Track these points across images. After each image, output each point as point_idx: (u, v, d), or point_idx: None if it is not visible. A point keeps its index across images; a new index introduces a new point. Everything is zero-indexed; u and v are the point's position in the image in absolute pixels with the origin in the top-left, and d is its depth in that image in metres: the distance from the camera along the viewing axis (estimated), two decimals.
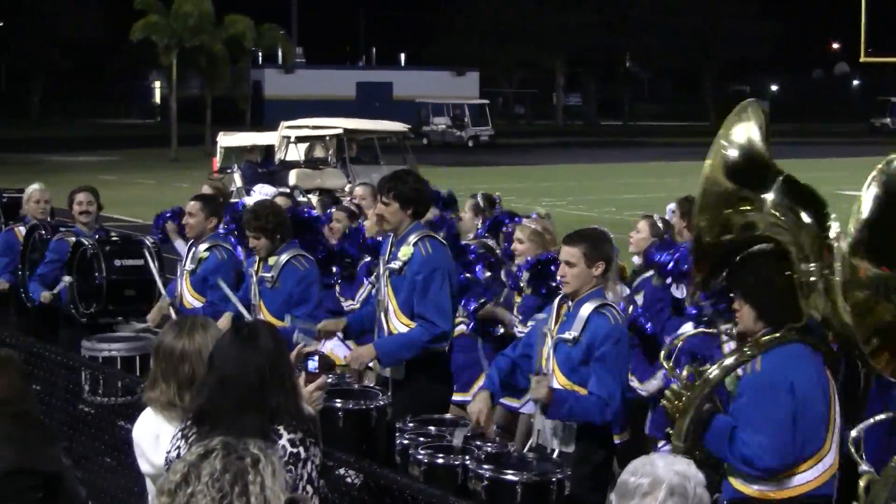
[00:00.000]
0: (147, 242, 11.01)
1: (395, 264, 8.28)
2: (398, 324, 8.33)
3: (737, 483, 6.14)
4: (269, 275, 9.21)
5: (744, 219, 6.26)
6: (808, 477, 6.05)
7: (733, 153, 6.33)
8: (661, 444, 8.45)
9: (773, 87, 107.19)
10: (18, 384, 5.52)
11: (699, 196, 6.36)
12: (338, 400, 7.36)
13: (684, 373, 6.30)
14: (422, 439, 6.95)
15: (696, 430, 6.19)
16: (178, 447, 4.81)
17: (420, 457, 6.63)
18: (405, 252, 8.23)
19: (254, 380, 4.71)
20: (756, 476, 6.06)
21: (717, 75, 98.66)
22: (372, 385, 8.21)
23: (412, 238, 8.27)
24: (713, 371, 6.19)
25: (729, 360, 6.23)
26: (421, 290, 8.19)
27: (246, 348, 4.77)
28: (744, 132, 6.35)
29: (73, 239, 10.96)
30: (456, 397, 9.55)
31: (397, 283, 8.33)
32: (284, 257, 9.22)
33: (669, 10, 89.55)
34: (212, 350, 4.93)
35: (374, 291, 9.05)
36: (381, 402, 7.47)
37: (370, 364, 8.63)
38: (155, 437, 5.28)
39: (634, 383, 8.79)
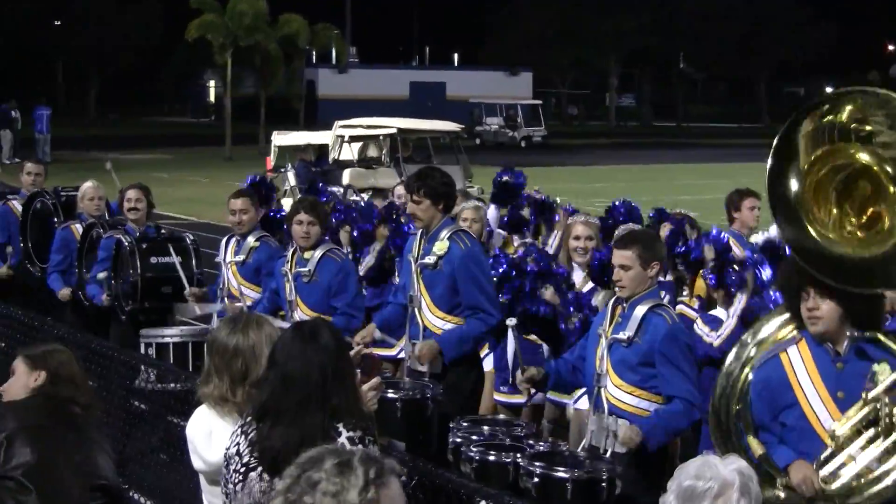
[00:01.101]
0: (188, 239, 11.08)
1: (430, 259, 8.36)
2: (433, 318, 8.43)
3: None
4: (305, 269, 9.31)
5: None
6: None
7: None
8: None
9: (828, 89, 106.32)
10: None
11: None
12: (391, 391, 7.42)
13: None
14: (474, 437, 6.98)
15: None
16: (238, 443, 4.86)
17: (472, 454, 6.67)
18: (440, 247, 8.34)
19: (316, 377, 4.74)
20: None
21: (771, 77, 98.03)
22: (418, 378, 8.26)
23: (444, 233, 8.39)
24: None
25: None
26: (470, 283, 8.32)
27: (308, 346, 4.80)
28: None
29: (119, 236, 11.02)
30: (506, 398, 9.59)
31: (431, 278, 8.43)
32: (319, 251, 9.36)
33: (724, 11, 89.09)
34: (273, 347, 4.97)
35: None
36: (434, 391, 7.53)
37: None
38: (208, 434, 5.33)
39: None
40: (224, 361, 5.29)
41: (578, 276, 9.39)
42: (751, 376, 6.38)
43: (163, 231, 11.28)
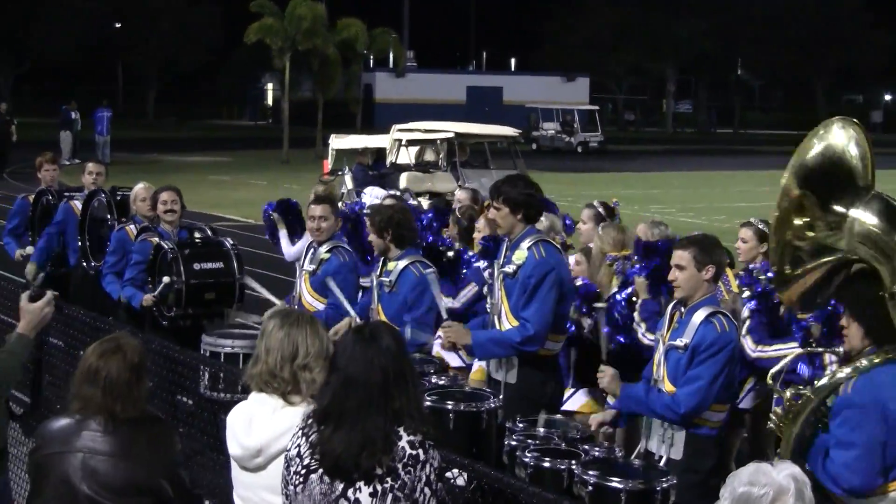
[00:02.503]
0: (228, 243, 11.08)
1: (510, 268, 8.36)
2: (509, 326, 8.40)
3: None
4: (387, 279, 9.31)
5: (820, 234, 6.20)
6: None
7: (813, 159, 6.26)
8: None
9: (887, 97, 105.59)
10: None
11: (772, 215, 6.35)
12: (449, 402, 7.42)
13: (788, 393, 6.30)
14: (530, 441, 6.99)
15: (801, 449, 6.20)
16: (299, 445, 4.89)
17: (527, 459, 6.68)
18: (519, 256, 8.31)
19: (378, 380, 4.76)
20: (841, 496, 6.05)
21: (829, 84, 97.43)
22: (483, 388, 8.25)
23: (526, 242, 8.34)
24: (813, 392, 6.18)
25: (824, 381, 6.23)
26: (528, 293, 8.26)
27: (369, 349, 4.82)
28: (830, 141, 6.27)
29: (156, 240, 10.99)
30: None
31: (510, 287, 8.40)
32: (403, 263, 9.29)
33: (782, 18, 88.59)
34: (335, 351, 5.00)
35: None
36: (493, 405, 7.51)
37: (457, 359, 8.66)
38: (248, 420, 5.38)
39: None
40: (274, 342, 5.35)
41: None
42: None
43: (196, 234, 11.26)
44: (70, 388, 5.60)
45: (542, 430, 7.20)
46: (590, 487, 6.29)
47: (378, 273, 9.46)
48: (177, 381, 8.28)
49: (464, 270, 10.90)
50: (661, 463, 6.94)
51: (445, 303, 9.50)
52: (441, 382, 7.96)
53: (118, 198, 12.57)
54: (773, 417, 6.34)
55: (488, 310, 8.70)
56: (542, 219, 10.72)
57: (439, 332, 8.86)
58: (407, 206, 10.81)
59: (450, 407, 7.37)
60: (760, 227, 10.16)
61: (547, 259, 8.31)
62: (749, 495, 3.96)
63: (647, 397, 7.17)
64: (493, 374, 8.44)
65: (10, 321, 10.25)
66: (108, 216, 12.39)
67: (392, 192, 18.13)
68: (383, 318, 9.25)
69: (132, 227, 11.91)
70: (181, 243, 10.91)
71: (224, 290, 10.75)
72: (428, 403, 7.31)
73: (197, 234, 11.24)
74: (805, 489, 3.99)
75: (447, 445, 7.08)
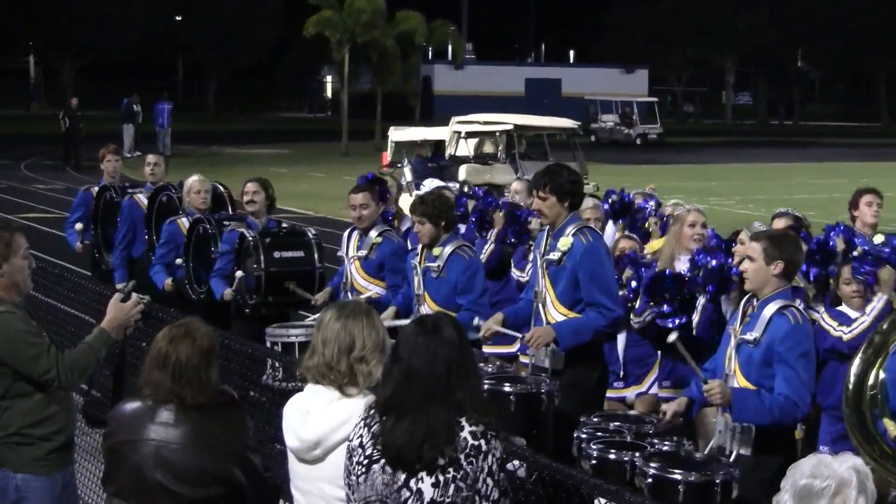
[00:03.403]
0: (310, 233, 11.15)
1: (554, 255, 8.40)
2: (556, 314, 8.45)
3: None
4: (434, 265, 9.35)
5: None
6: None
7: None
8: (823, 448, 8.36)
9: None
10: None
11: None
12: (507, 384, 7.45)
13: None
14: (599, 434, 7.00)
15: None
16: (361, 436, 4.90)
17: (591, 451, 6.69)
18: (564, 243, 8.35)
19: (441, 372, 4.77)
20: None
21: (890, 76, 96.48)
22: (538, 374, 8.28)
23: (570, 229, 8.41)
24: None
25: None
26: (590, 278, 8.33)
27: (432, 340, 4.83)
28: None
29: (242, 230, 11.08)
30: (625, 392, 9.59)
31: (556, 274, 8.45)
32: (450, 248, 9.34)
33: (843, 9, 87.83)
34: (396, 342, 5.02)
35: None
36: (550, 387, 7.55)
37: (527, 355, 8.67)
38: (305, 413, 5.37)
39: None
40: (331, 334, 5.34)
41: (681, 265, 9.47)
42: (886, 362, 6.34)
43: (284, 225, 11.34)
44: (141, 373, 5.65)
45: (614, 424, 7.21)
46: (649, 479, 6.27)
47: (419, 260, 9.49)
48: (239, 371, 8.32)
49: None
50: (732, 458, 6.89)
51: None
52: (489, 370, 8.03)
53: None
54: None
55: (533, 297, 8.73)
56: (588, 201, 10.84)
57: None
58: (443, 192, 10.93)
59: (510, 389, 7.41)
60: (794, 214, 10.30)
61: (595, 243, 8.44)
62: (811, 488, 3.95)
63: (764, 402, 6.96)
64: (538, 363, 8.43)
65: (73, 313, 10.37)
66: (180, 212, 12.47)
67: (448, 185, 18.18)
68: (431, 304, 9.33)
69: (184, 219, 12.01)
70: (264, 232, 11.02)
71: (304, 278, 10.83)
72: (487, 387, 7.37)
73: (284, 224, 11.33)
74: (867, 481, 3.98)
75: (508, 428, 7.14)
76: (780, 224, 10.31)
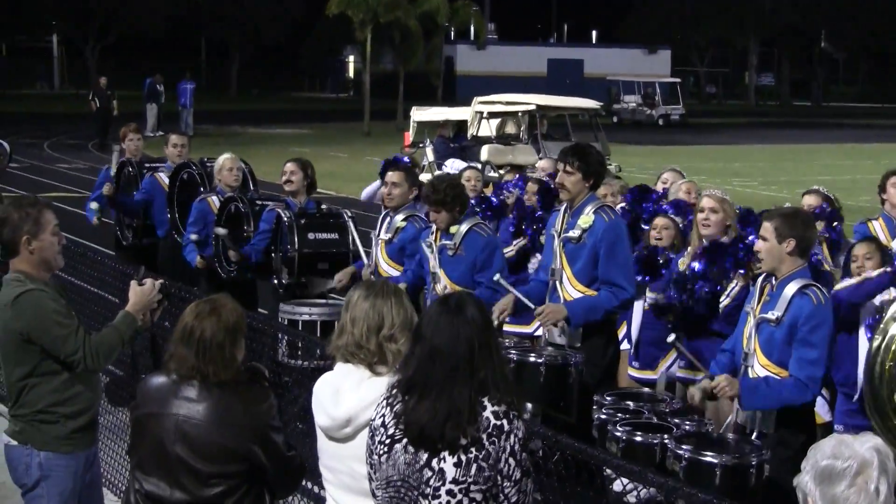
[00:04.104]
0: (346, 215, 11.17)
1: (574, 233, 8.42)
2: (574, 292, 8.47)
3: None
4: (450, 243, 9.35)
5: None
6: None
7: None
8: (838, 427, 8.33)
9: None
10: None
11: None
12: (533, 355, 7.46)
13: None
14: (619, 416, 7.00)
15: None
16: (383, 415, 4.90)
17: (619, 434, 6.69)
18: (585, 221, 8.38)
19: (464, 350, 4.75)
20: None
21: None
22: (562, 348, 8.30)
23: (590, 207, 8.44)
24: None
25: None
26: (608, 256, 8.36)
27: (455, 319, 4.81)
28: None
29: (280, 210, 11.14)
30: (638, 374, 9.57)
31: (574, 252, 8.48)
32: (466, 226, 9.37)
33: None
34: (419, 321, 5.02)
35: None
36: (578, 360, 7.57)
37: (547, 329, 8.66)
38: (335, 391, 5.38)
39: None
40: (360, 313, 5.36)
41: None
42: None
43: (323, 207, 11.38)
44: (167, 348, 5.68)
45: (631, 403, 7.22)
46: (684, 462, 6.29)
47: (434, 238, 9.49)
48: (255, 347, 8.36)
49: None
50: (753, 437, 6.91)
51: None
52: (507, 343, 8.09)
53: (208, 169, 12.66)
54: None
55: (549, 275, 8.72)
56: (613, 181, 10.83)
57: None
58: (453, 176, 10.96)
59: (538, 360, 7.41)
60: (828, 195, 10.28)
61: (616, 221, 8.50)
62: (832, 468, 3.94)
63: (772, 388, 7.00)
64: (554, 339, 8.44)
65: (96, 291, 10.42)
66: (201, 188, 12.48)
67: (472, 164, 18.15)
68: (447, 281, 9.33)
69: (214, 198, 12.02)
70: (300, 213, 11.08)
71: (338, 259, 10.89)
72: (514, 358, 7.39)
73: (323, 206, 11.38)
74: (888, 461, 3.97)
75: (536, 398, 7.15)
76: (809, 200, 10.30)
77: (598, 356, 8.44)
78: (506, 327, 10.34)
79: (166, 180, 12.98)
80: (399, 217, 10.26)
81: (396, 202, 10.29)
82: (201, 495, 5.44)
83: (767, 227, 7.13)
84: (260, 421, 5.49)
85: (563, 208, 8.68)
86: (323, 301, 10.36)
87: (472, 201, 11.32)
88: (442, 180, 9.74)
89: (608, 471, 5.77)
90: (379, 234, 10.42)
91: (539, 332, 9.38)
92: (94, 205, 13.95)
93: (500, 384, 4.81)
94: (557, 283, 8.56)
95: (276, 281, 11.07)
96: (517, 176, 13.26)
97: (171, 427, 5.46)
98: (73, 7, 78.49)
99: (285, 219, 10.94)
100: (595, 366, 8.32)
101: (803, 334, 6.93)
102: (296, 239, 10.79)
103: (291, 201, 11.33)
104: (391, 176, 10.34)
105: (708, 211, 8.82)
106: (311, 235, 10.87)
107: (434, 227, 9.54)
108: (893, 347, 6.26)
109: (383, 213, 10.64)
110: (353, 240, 10.81)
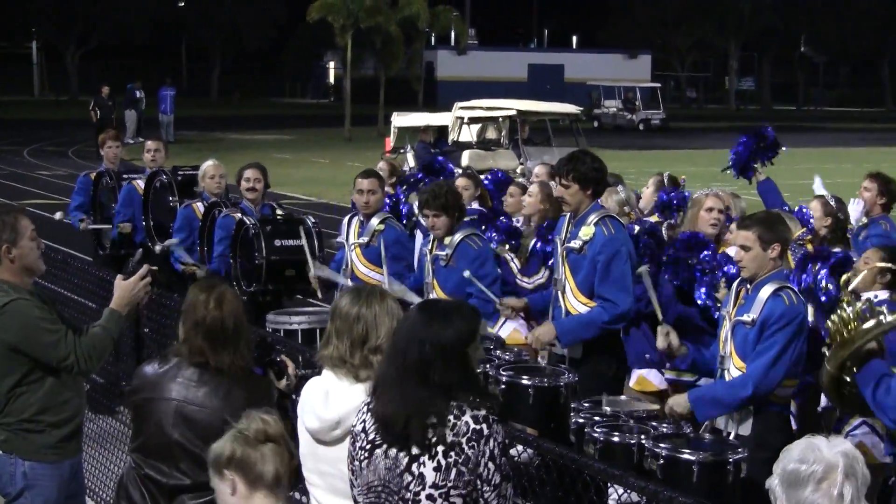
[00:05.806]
0: (307, 222, 11.13)
1: (575, 244, 8.35)
2: (576, 303, 8.40)
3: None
4: (443, 253, 9.32)
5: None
6: None
7: None
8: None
9: None
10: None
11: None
12: (525, 377, 7.42)
13: (860, 305, 6.19)
14: (597, 418, 7.00)
15: (853, 363, 6.14)
16: (364, 421, 4.93)
17: (596, 434, 6.69)
18: (586, 232, 8.29)
19: (414, 353, 4.80)
20: (889, 426, 6.09)
21: (894, 61, 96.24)
22: (557, 364, 8.25)
23: (592, 218, 8.34)
24: (889, 317, 6.07)
25: None
26: (603, 270, 8.26)
27: (417, 322, 4.87)
28: None
29: (238, 216, 11.11)
30: (674, 375, 9.51)
31: (576, 263, 8.39)
32: (458, 236, 9.30)
33: None
34: (397, 325, 5.06)
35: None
36: (571, 380, 7.52)
37: (550, 345, 8.66)
38: (325, 394, 5.41)
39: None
40: (346, 325, 5.39)
41: None
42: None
43: (279, 212, 11.37)
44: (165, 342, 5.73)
45: (608, 408, 7.21)
46: (661, 460, 6.29)
47: (430, 247, 9.49)
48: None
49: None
50: (730, 438, 6.92)
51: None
52: (507, 357, 7.99)
53: (179, 178, 12.66)
54: (836, 318, 6.22)
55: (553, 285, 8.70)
56: (620, 190, 10.71)
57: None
58: (451, 182, 10.85)
59: (528, 382, 7.37)
60: (831, 203, 10.31)
61: (616, 235, 8.34)
62: (797, 473, 3.94)
63: (718, 392, 7.10)
64: (554, 351, 8.45)
65: (79, 300, 10.39)
66: (171, 197, 12.49)
67: (467, 171, 18.12)
68: (439, 291, 9.32)
69: (199, 204, 12.02)
70: (263, 220, 11.06)
71: (304, 266, 10.83)
72: (505, 379, 7.36)
73: (279, 212, 11.36)
74: (856, 465, 3.94)
75: (526, 421, 7.12)
76: (814, 205, 10.41)
77: (604, 369, 8.39)
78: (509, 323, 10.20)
79: (143, 187, 12.98)
80: (375, 220, 10.23)
81: (373, 208, 10.28)
82: (200, 480, 5.45)
83: (748, 236, 7.10)
84: (260, 408, 5.52)
85: (568, 216, 8.58)
86: (306, 309, 10.38)
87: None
88: (442, 186, 9.73)
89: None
90: (348, 238, 10.41)
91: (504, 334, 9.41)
92: (58, 214, 13.96)
93: (473, 389, 4.83)
94: (560, 293, 8.51)
95: (236, 289, 10.99)
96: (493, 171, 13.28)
97: (171, 411, 5.52)
98: (55, 13, 78.29)
99: (250, 225, 10.89)
100: (599, 380, 8.19)
101: (768, 333, 6.98)
102: (263, 246, 10.74)
103: (247, 207, 11.32)
104: (367, 183, 10.24)
105: (717, 211, 8.96)
106: (277, 242, 10.82)
107: (431, 237, 9.53)
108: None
109: (348, 217, 10.64)
110: (305, 248, 10.76)
